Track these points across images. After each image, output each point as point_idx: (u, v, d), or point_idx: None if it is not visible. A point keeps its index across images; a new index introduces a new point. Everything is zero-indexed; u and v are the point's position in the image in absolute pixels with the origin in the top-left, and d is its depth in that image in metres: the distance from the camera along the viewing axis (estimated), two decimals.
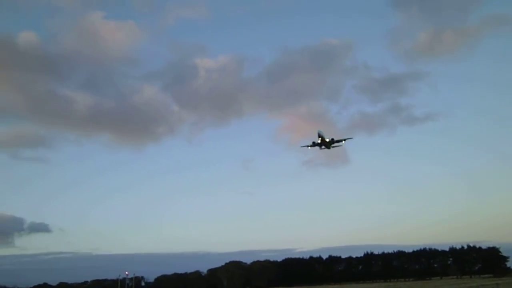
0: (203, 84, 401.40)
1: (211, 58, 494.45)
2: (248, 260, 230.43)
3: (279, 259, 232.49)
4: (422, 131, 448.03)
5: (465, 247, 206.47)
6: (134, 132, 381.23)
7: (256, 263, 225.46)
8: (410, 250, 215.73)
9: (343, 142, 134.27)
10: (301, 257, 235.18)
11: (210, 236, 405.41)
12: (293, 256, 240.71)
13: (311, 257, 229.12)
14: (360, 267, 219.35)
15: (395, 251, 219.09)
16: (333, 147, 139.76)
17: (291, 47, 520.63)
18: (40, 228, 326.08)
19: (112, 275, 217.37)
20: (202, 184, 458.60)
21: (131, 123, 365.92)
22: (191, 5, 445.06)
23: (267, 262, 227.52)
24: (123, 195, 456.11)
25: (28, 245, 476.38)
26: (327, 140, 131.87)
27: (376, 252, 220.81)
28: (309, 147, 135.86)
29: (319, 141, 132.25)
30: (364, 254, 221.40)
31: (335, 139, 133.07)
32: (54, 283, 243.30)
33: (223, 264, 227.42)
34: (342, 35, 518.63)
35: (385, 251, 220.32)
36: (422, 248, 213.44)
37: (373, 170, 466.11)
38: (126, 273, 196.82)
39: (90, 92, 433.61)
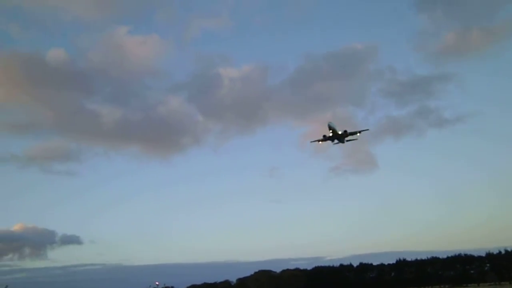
0: (228, 94, 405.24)
1: (235, 68, 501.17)
2: (277, 268, 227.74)
3: (309, 267, 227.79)
4: (452, 133, 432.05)
5: (503, 252, 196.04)
6: (160, 143, 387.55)
7: (286, 272, 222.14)
8: (444, 256, 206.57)
9: (358, 134, 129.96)
10: (331, 265, 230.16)
11: (239, 245, 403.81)
12: (323, 264, 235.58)
13: (341, 265, 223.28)
14: (393, 274, 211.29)
15: (428, 257, 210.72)
16: (348, 140, 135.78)
17: (314, 54, 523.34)
18: (72, 240, 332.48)
19: (142, 286, 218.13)
20: (230, 193, 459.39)
21: (157, 134, 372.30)
22: (213, 16, 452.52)
23: (296, 271, 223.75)
24: (151, 206, 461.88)
25: (59, 257, 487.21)
26: (340, 132, 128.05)
27: (408, 259, 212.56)
28: (320, 142, 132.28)
29: (331, 134, 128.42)
30: (396, 261, 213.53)
31: (348, 131, 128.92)
32: None
33: (252, 273, 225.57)
34: (366, 39, 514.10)
35: (418, 258, 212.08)
36: (457, 254, 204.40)
37: (403, 175, 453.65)
38: (156, 283, 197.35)
39: (117, 105, 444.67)
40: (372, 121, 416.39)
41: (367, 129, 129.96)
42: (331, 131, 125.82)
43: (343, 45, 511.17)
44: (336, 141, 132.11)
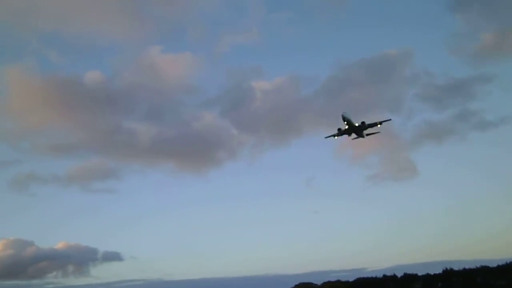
0: (261, 106, 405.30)
1: (267, 80, 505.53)
2: (318, 281, 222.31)
3: (351, 279, 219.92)
4: (496, 136, 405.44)
5: None
6: (196, 158, 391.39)
7: (327, 284, 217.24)
8: (495, 265, 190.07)
9: (379, 125, 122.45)
10: (374, 276, 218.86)
11: (279, 257, 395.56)
12: (365, 276, 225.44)
13: (384, 276, 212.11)
14: (439, 284, 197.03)
15: (477, 266, 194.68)
16: (369, 134, 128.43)
17: (347, 62, 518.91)
18: (113, 257, 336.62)
19: None
20: (267, 205, 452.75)
21: (192, 149, 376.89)
22: (242, 31, 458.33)
23: (338, 283, 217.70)
24: (190, 220, 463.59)
25: (102, 274, 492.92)
26: (356, 124, 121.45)
27: (456, 268, 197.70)
28: (335, 137, 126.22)
29: (346, 127, 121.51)
30: (443, 271, 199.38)
31: (367, 122, 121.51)
32: None
33: (293, 286, 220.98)
34: (400, 44, 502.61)
35: (466, 267, 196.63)
36: (509, 262, 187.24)
37: (446, 181, 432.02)
38: None
39: (153, 123, 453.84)
40: (410, 127, 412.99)
41: (389, 119, 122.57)
42: (346, 123, 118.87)
43: (376, 51, 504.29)
44: (353, 134, 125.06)
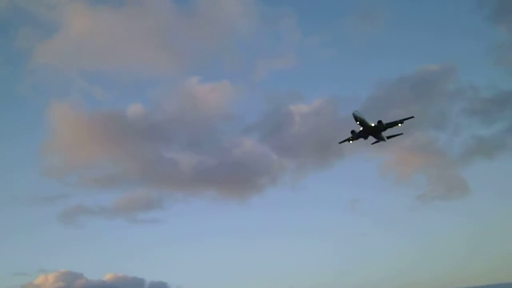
0: (300, 130, 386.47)
1: (305, 103, 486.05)
2: None
3: None
4: None
5: None
6: (237, 185, 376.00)
7: None
8: None
9: (399, 124, 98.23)
10: None
11: (328, 284, 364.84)
12: None
13: None
14: None
15: None
16: (390, 137, 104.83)
17: (386, 80, 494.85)
18: (160, 287, 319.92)
19: None
20: (312, 229, 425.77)
21: (234, 176, 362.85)
22: (279, 56, 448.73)
23: None
24: (234, 247, 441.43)
25: None
26: (372, 125, 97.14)
27: None
28: (350, 141, 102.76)
29: (361, 129, 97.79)
30: None
31: (385, 122, 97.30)
32: None
33: None
34: (441, 58, 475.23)
35: None
36: None
37: (500, 197, 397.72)
38: None
39: (194, 152, 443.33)
40: (457, 143, 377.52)
41: (412, 117, 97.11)
42: (358, 123, 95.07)
43: (416, 68, 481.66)
44: (371, 137, 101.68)
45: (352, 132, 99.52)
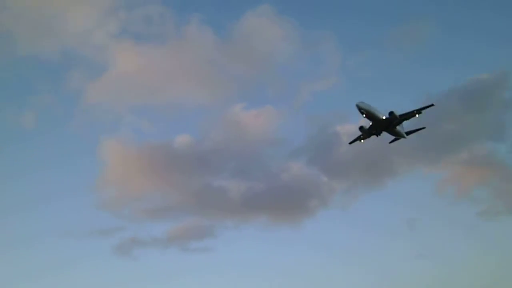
0: (349, 150, 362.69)
1: (351, 123, 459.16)
2: None
3: None
4: None
5: None
6: (287, 210, 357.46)
7: None
8: None
9: (417, 115, 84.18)
10: None
11: None
12: None
13: None
14: None
15: None
16: (411, 132, 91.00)
17: (435, 94, 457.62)
18: None
19: None
20: (367, 251, 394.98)
21: (283, 201, 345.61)
22: (321, 78, 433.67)
23: None
24: (288, 272, 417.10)
25: None
26: (383, 117, 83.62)
27: None
28: (361, 140, 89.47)
29: (371, 124, 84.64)
30: None
31: (397, 113, 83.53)
32: None
33: None
34: (492, 67, 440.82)
35: None
36: None
37: None
38: None
39: (242, 179, 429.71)
40: None
41: (432, 105, 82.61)
42: (364, 115, 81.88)
43: (466, 78, 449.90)
44: (390, 137, 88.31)
45: (361, 128, 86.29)
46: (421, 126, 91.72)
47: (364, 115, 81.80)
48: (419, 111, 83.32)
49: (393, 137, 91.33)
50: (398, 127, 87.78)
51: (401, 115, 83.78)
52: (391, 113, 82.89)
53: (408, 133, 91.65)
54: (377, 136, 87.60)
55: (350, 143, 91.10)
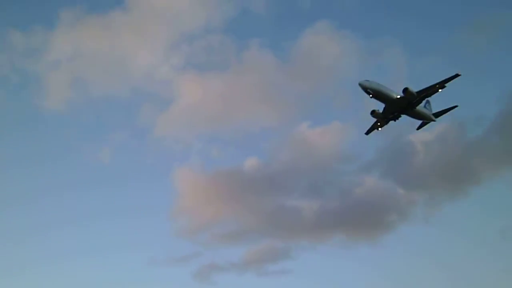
0: (425, 159, 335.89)
1: (426, 130, 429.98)
2: None
3: None
4: None
5: None
6: (364, 226, 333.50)
7: None
8: None
9: (440, 90, 69.46)
10: None
11: None
12: None
13: None
14: None
15: None
16: (441, 113, 76.31)
17: None
18: None
19: None
20: (454, 265, 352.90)
21: (359, 218, 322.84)
22: (388, 85, 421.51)
23: None
24: None
25: None
26: (397, 97, 69.98)
27: None
28: (379, 128, 76.20)
29: (384, 107, 71.35)
30: None
31: (413, 89, 69.51)
32: None
33: None
34: None
35: None
36: None
37: None
38: None
39: (314, 197, 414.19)
40: None
41: (457, 75, 67.59)
42: (371, 96, 68.90)
43: None
44: (410, 120, 74.36)
45: (373, 113, 72.62)
46: (452, 105, 76.50)
47: (371, 96, 68.60)
48: (442, 84, 68.77)
49: (416, 122, 76.85)
50: (421, 108, 73.46)
51: (419, 92, 69.60)
52: (405, 90, 69.06)
53: (437, 114, 76.63)
54: (394, 120, 73.81)
55: (367, 133, 77.34)
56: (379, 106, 72.26)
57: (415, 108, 71.96)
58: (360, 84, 67.96)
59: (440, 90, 69.45)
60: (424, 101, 75.07)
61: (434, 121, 77.21)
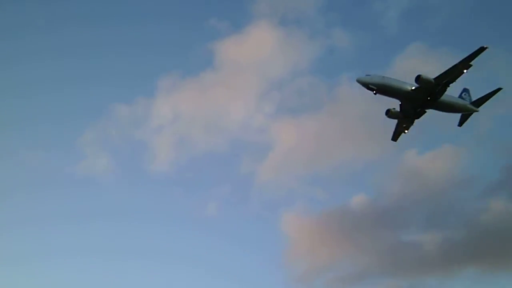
0: None
1: None
2: None
3: None
4: None
5: None
6: (501, 256, 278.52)
7: None
8: None
9: (465, 71, 56.82)
10: None
11: None
12: None
13: None
14: None
15: None
16: (480, 100, 62.38)
17: None
18: None
19: None
20: None
21: (491, 247, 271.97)
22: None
23: None
24: None
25: None
26: (410, 88, 58.63)
27: None
28: (406, 131, 64.05)
29: (401, 105, 59.97)
30: None
31: (428, 75, 57.44)
32: None
33: None
34: None
35: None
36: None
37: None
38: None
39: (435, 229, 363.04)
40: None
41: (484, 47, 54.64)
42: (375, 92, 58.58)
43: None
44: (457, 119, 62.41)
45: (388, 112, 60.88)
46: (495, 89, 61.07)
47: (375, 92, 58.09)
48: (465, 62, 55.80)
49: (462, 120, 62.89)
50: (449, 98, 59.95)
51: (438, 77, 57.15)
52: (418, 78, 57.00)
53: (477, 103, 61.72)
54: (418, 118, 60.91)
55: (394, 139, 64.83)
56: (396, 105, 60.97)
57: (439, 98, 58.66)
58: (358, 81, 58.20)
59: (465, 71, 56.33)
60: (461, 91, 62.15)
61: (476, 111, 62.42)
